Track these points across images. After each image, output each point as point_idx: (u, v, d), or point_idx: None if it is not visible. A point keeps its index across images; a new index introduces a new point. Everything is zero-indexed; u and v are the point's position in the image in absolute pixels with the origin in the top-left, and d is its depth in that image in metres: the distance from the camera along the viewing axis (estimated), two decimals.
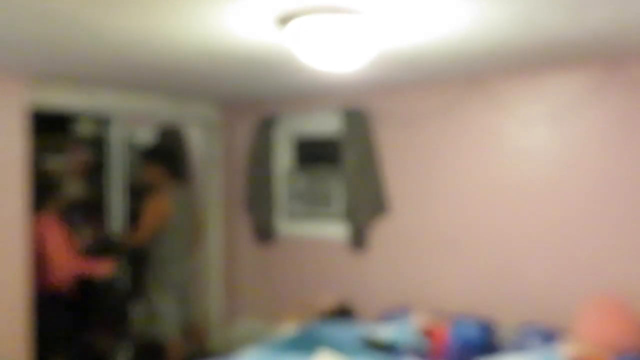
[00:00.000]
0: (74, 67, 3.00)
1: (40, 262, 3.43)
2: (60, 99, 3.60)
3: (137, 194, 4.46)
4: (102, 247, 3.89)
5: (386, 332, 3.26)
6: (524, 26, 2.25)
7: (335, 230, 4.06)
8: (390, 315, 3.52)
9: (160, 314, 3.98)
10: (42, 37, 2.35)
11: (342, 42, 2.14)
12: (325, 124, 4.10)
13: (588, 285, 2.96)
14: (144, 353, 4.43)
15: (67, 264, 3.50)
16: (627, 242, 2.89)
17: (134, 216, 4.24)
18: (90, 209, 4.26)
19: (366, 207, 3.74)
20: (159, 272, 3.98)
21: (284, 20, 2.10)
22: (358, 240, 3.85)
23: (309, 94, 4.08)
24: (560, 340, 2.82)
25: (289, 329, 3.68)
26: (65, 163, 4.23)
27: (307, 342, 3.17)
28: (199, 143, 4.86)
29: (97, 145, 4.33)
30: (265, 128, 4.30)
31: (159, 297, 3.98)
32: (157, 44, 2.49)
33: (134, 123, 4.60)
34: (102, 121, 4.25)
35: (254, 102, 4.45)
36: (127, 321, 4.17)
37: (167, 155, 4.17)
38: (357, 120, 3.77)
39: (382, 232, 3.80)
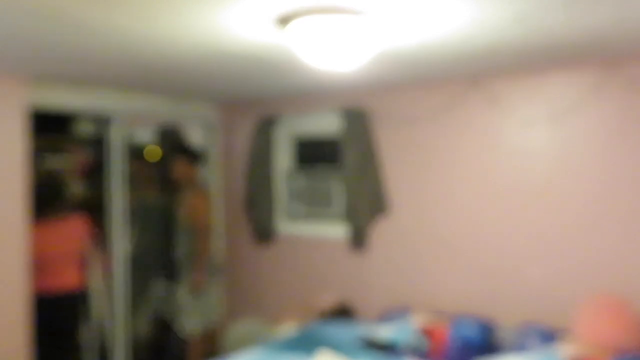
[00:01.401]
0: (74, 67, 3.00)
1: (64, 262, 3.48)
2: (60, 99, 3.60)
3: (169, 192, 4.56)
4: None
5: (386, 332, 3.26)
6: (524, 26, 2.25)
7: (335, 230, 4.06)
8: (390, 315, 3.52)
9: (207, 308, 4.09)
10: (42, 37, 2.35)
11: (342, 42, 2.14)
12: (325, 124, 4.10)
13: (588, 285, 2.96)
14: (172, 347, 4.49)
15: None
16: (627, 242, 2.89)
17: (170, 215, 4.40)
18: (90, 209, 4.27)
19: (366, 207, 3.74)
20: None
21: (284, 20, 2.10)
22: (358, 240, 3.85)
23: (309, 94, 4.08)
24: (560, 340, 2.82)
25: (289, 329, 3.68)
26: (65, 163, 4.23)
27: (307, 342, 3.18)
28: (199, 143, 4.86)
29: (97, 145, 4.32)
30: (265, 128, 4.30)
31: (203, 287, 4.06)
32: (157, 44, 2.49)
33: (134, 123, 4.60)
34: (102, 121, 4.25)
35: (254, 102, 4.45)
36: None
37: (195, 152, 4.28)
38: (357, 120, 3.77)
39: (382, 232, 3.80)
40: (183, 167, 4.13)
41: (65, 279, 3.49)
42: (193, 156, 4.20)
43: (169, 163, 4.27)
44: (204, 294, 4.09)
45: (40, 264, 3.38)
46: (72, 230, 3.52)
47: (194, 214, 4.03)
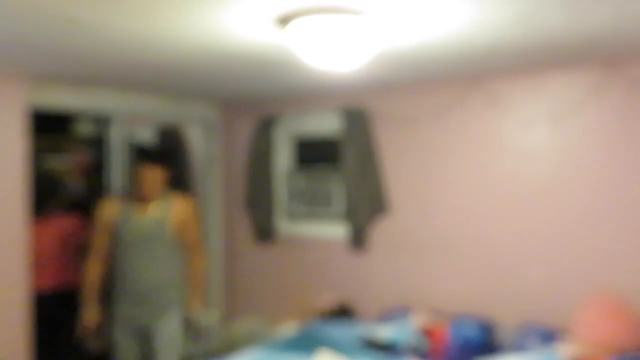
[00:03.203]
0: (74, 67, 3.00)
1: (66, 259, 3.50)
2: (60, 99, 3.60)
3: None
4: None
5: (386, 332, 3.26)
6: (524, 26, 2.25)
7: (335, 230, 4.06)
8: (390, 315, 3.53)
9: (206, 330, 3.62)
10: (42, 38, 2.35)
11: (342, 42, 2.14)
12: (325, 124, 4.10)
13: (588, 285, 2.96)
14: None
15: None
16: (627, 242, 2.89)
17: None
18: (90, 209, 4.27)
19: (366, 207, 3.75)
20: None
21: (284, 20, 2.10)
22: (358, 240, 3.85)
23: (309, 94, 4.08)
24: (560, 340, 2.82)
25: (289, 329, 3.68)
26: (65, 163, 4.24)
27: (307, 342, 3.17)
28: (199, 143, 4.87)
29: (97, 145, 4.33)
30: (265, 128, 4.30)
31: (203, 313, 3.41)
32: (157, 44, 2.49)
33: (134, 123, 4.60)
34: (102, 121, 4.25)
35: (254, 102, 4.45)
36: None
37: (169, 158, 3.56)
38: (357, 120, 3.77)
39: (382, 232, 3.80)
40: (155, 177, 3.05)
41: (61, 277, 3.49)
42: (161, 160, 3.14)
43: (135, 175, 3.14)
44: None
45: (34, 261, 3.39)
46: (69, 228, 3.53)
47: (183, 225, 3.15)
